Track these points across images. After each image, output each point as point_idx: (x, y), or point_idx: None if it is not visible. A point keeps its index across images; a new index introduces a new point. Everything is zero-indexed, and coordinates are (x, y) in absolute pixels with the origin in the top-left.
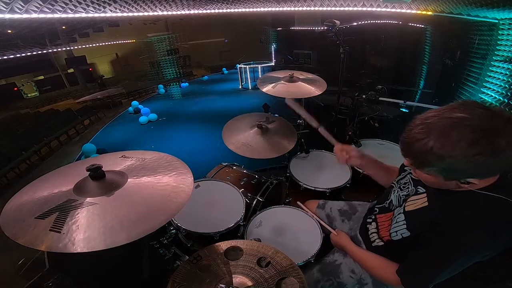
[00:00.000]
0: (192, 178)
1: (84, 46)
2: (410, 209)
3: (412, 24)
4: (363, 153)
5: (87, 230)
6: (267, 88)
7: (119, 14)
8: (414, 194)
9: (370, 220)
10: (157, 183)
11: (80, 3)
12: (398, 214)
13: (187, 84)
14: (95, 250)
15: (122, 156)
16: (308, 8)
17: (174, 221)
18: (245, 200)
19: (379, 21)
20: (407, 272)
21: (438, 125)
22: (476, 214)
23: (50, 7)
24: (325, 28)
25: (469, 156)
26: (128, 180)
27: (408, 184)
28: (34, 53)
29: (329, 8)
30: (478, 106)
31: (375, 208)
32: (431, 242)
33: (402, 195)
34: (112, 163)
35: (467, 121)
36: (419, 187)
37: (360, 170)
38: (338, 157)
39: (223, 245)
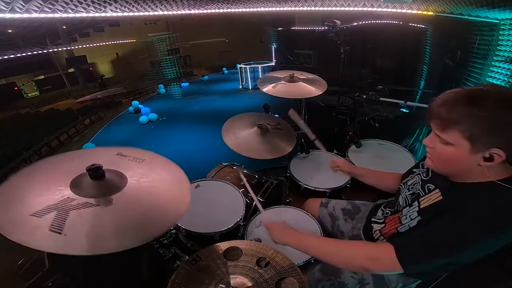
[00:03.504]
0: (189, 185)
1: (84, 46)
2: (425, 205)
3: (413, 24)
4: (352, 168)
5: (88, 232)
6: (267, 88)
7: (120, 14)
8: (427, 193)
9: (378, 221)
10: (155, 187)
11: (80, 2)
12: (411, 212)
13: (187, 84)
14: (98, 253)
15: (118, 154)
16: (309, 8)
17: None
18: (245, 200)
19: (379, 21)
20: (401, 243)
21: (466, 89)
22: (488, 204)
23: (51, 6)
24: (326, 28)
25: (495, 113)
26: (127, 183)
27: (417, 185)
28: (35, 52)
29: (329, 8)
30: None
31: (387, 211)
32: (435, 224)
33: (409, 195)
34: (108, 159)
35: (496, 88)
36: (428, 184)
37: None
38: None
39: (223, 245)
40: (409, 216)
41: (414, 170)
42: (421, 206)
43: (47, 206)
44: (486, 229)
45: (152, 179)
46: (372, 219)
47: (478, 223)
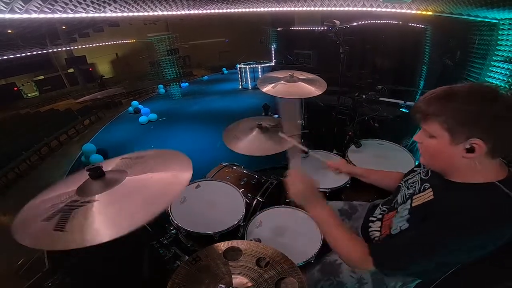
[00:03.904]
0: (188, 159)
1: (84, 46)
2: (416, 204)
3: (412, 24)
4: (352, 169)
5: (91, 225)
6: (267, 88)
7: (119, 14)
8: (421, 191)
9: (375, 219)
10: (156, 173)
11: (80, 3)
12: (403, 210)
13: (187, 84)
14: (100, 242)
15: (121, 159)
16: (308, 8)
17: (174, 221)
18: (245, 200)
19: (379, 21)
20: (383, 251)
21: (446, 86)
22: (475, 203)
23: (50, 7)
24: (325, 28)
25: (467, 105)
26: (128, 174)
27: (416, 183)
28: (34, 53)
29: (329, 8)
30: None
31: (384, 208)
32: (422, 225)
33: (408, 193)
34: (112, 165)
35: (470, 84)
36: (425, 184)
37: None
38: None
39: (222, 245)
40: (402, 213)
41: (415, 169)
42: (413, 205)
43: (55, 211)
44: (484, 227)
45: (152, 165)
46: (370, 218)
47: (474, 221)
